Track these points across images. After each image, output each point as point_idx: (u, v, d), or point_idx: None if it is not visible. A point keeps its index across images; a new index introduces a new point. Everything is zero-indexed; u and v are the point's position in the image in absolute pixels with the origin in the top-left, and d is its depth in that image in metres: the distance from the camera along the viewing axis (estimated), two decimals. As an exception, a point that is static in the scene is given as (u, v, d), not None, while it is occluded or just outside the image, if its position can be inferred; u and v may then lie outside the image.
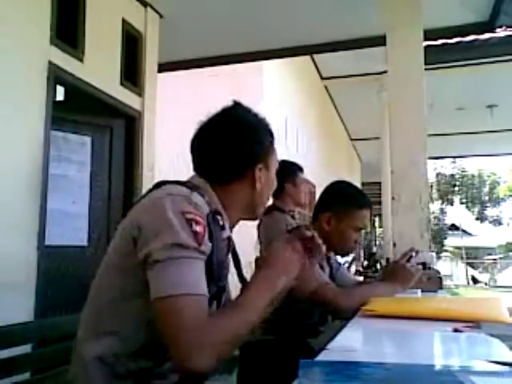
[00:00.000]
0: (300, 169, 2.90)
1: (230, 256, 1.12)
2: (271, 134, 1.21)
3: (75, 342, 1.03)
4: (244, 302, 0.97)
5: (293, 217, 2.80)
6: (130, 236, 0.96)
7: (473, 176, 26.28)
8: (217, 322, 0.90)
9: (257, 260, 1.08)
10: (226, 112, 1.17)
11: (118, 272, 0.98)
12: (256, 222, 2.83)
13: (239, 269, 1.18)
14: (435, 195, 24.96)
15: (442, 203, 25.80)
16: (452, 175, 25.78)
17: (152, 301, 0.89)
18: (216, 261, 0.99)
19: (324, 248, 1.12)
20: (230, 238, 1.10)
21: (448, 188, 25.61)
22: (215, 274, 0.98)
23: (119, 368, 0.95)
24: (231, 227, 1.14)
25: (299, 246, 1.07)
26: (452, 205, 26.05)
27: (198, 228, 0.93)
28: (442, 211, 25.78)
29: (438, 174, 25.59)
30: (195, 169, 1.15)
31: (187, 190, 1.00)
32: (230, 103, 1.19)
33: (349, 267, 7.81)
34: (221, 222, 1.04)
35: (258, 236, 2.78)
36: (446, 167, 25.67)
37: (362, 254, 11.41)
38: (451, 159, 23.57)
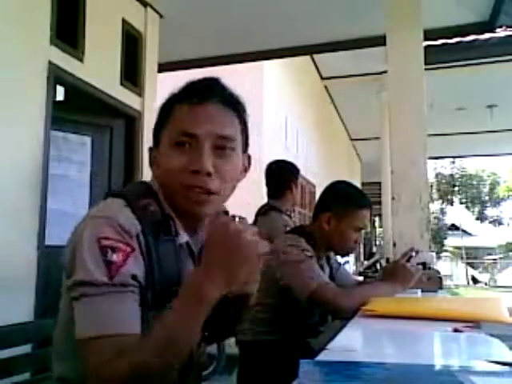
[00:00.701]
0: (297, 169, 2.92)
1: (191, 262, 0.97)
2: (174, 97, 0.96)
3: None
4: (162, 327, 0.80)
5: (289, 216, 2.81)
6: (65, 271, 0.90)
7: (472, 176, 26.28)
8: (122, 362, 0.78)
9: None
10: None
11: (66, 310, 0.91)
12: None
13: None
14: (435, 195, 24.96)
15: (442, 203, 25.81)
16: (451, 175, 25.79)
17: None
18: (158, 277, 0.88)
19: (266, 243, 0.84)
20: (188, 244, 0.97)
21: (448, 188, 25.62)
22: (160, 291, 0.88)
23: None
24: (193, 231, 0.99)
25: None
26: (452, 205, 26.07)
27: (115, 257, 0.83)
28: (442, 211, 25.79)
29: (437, 174, 25.59)
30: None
31: (118, 207, 0.89)
32: None
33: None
34: (172, 228, 0.93)
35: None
36: (446, 167, 25.69)
37: (363, 254, 11.41)
38: (451, 159, 23.59)
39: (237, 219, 0.79)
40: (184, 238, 0.96)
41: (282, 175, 2.84)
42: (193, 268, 0.93)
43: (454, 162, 25.28)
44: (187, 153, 0.90)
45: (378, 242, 17.64)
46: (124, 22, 3.21)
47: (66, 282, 0.87)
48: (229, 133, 0.93)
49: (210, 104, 0.92)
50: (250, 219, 2.88)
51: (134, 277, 0.85)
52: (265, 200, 2.91)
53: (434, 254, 2.64)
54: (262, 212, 2.78)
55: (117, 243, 0.84)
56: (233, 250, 0.77)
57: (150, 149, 0.99)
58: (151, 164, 0.98)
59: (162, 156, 0.93)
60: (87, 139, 3.17)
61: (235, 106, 0.96)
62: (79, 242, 0.85)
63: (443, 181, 25.63)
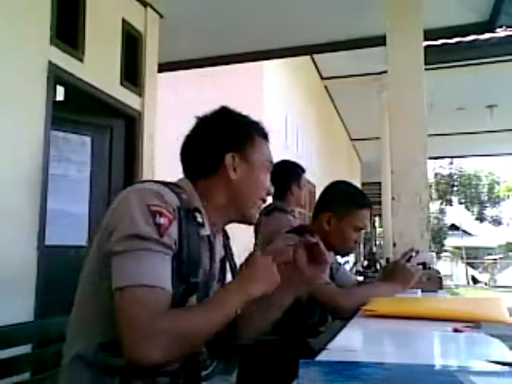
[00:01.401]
0: (303, 169, 2.91)
1: (208, 255, 1.08)
2: (255, 127, 1.18)
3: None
4: (211, 302, 0.99)
5: (293, 217, 2.80)
6: (104, 232, 0.96)
7: (471, 176, 26.28)
8: (175, 315, 0.90)
9: (240, 266, 1.08)
10: (211, 112, 1.17)
11: (94, 269, 0.99)
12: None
13: (233, 272, 1.18)
14: (434, 195, 24.96)
15: (442, 203, 25.82)
16: (450, 175, 25.79)
17: (113, 292, 0.89)
18: (186, 256, 0.97)
19: (330, 256, 1.15)
20: (209, 238, 1.08)
21: (446, 188, 25.63)
22: (184, 270, 0.97)
23: (103, 364, 0.93)
24: (218, 228, 1.13)
25: (279, 259, 1.08)
26: (451, 205, 26.07)
27: (163, 220, 0.92)
28: (442, 211, 25.79)
29: (436, 174, 25.60)
30: (183, 170, 1.16)
31: (158, 186, 1.00)
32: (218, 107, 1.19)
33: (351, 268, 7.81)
34: (199, 219, 1.03)
35: (256, 236, 2.78)
36: (444, 167, 25.69)
37: (363, 254, 11.41)
38: (449, 159, 23.59)
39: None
40: (207, 231, 1.07)
41: (283, 175, 2.83)
42: (240, 273, 1.08)
43: (452, 163, 25.29)
44: (266, 177, 1.18)
45: (377, 242, 17.64)
46: (124, 22, 3.21)
47: (109, 238, 0.92)
48: None
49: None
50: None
51: (175, 242, 0.95)
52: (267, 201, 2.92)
53: (434, 254, 2.64)
54: (266, 212, 2.78)
55: (163, 209, 0.94)
56: (266, 273, 1.03)
57: (232, 155, 1.11)
58: (228, 167, 1.11)
59: (258, 175, 1.14)
60: (87, 139, 3.17)
61: None
62: (127, 206, 0.94)
63: (442, 181, 25.63)
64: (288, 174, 2.83)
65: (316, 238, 1.14)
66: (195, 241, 1.01)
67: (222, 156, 1.10)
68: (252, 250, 1.11)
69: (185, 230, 0.98)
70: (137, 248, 0.89)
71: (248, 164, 1.12)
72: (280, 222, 2.65)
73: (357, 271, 8.36)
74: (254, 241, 2.78)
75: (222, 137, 1.12)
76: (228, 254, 1.20)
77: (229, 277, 1.18)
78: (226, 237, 1.22)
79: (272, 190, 1.19)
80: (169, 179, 1.11)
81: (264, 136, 1.19)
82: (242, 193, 1.12)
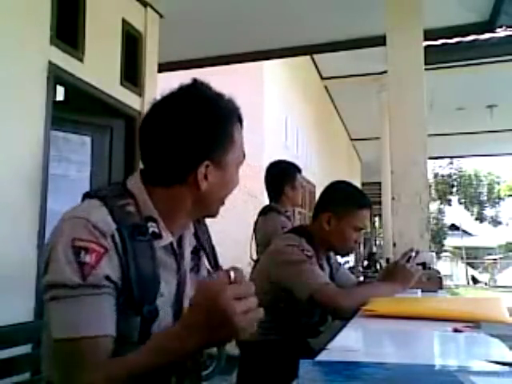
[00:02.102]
0: (298, 169, 2.91)
1: (174, 265, 0.98)
2: (233, 120, 1.00)
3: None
4: (134, 362, 0.81)
5: (288, 218, 2.81)
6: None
7: (472, 176, 26.28)
8: (107, 366, 0.82)
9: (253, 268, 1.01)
10: (180, 93, 1.00)
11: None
12: (251, 224, 2.86)
13: (213, 259, 1.11)
14: (434, 195, 24.97)
15: (441, 203, 25.82)
16: (450, 175, 25.80)
17: None
18: (136, 284, 0.87)
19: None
20: (172, 245, 0.98)
21: (446, 188, 25.63)
22: (136, 299, 0.87)
23: None
24: (183, 226, 1.02)
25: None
26: (450, 205, 26.08)
27: (88, 258, 0.83)
28: (440, 211, 25.79)
29: (435, 175, 25.60)
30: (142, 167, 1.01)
31: (95, 206, 0.90)
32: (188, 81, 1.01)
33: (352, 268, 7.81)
34: (154, 229, 0.93)
35: (255, 237, 2.79)
36: (444, 167, 25.70)
37: (363, 255, 11.41)
38: (448, 159, 23.59)
39: (231, 273, 0.75)
40: (168, 238, 0.97)
41: (277, 176, 2.85)
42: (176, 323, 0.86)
43: (451, 163, 25.29)
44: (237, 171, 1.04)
45: (377, 242, 17.64)
46: (124, 22, 3.21)
47: (41, 281, 0.88)
48: None
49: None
50: (254, 214, 2.91)
51: (107, 277, 0.84)
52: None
53: (433, 254, 2.64)
54: (262, 213, 2.83)
55: (90, 244, 0.84)
56: (212, 313, 0.75)
57: (207, 165, 0.95)
58: (203, 177, 0.95)
59: (230, 175, 1.00)
60: (87, 139, 3.17)
61: None
62: (54, 243, 0.87)
63: (441, 181, 25.63)
64: (281, 175, 2.85)
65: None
66: (147, 260, 0.90)
67: (194, 167, 0.93)
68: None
69: (131, 254, 0.87)
70: (63, 296, 0.83)
71: (222, 168, 0.97)
72: (273, 222, 2.69)
73: (357, 271, 8.36)
74: (253, 240, 2.80)
75: (199, 143, 0.93)
76: (199, 234, 1.10)
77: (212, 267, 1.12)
78: (199, 222, 1.12)
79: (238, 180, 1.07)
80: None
81: (240, 123, 1.03)
82: (211, 199, 1.00)
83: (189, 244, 1.06)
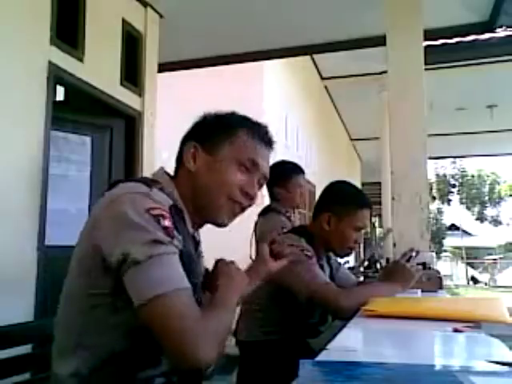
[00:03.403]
0: (295, 170, 2.87)
1: (197, 254, 1.08)
2: (243, 125, 1.09)
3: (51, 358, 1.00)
4: (221, 303, 0.96)
5: (288, 218, 2.81)
6: (93, 240, 0.91)
7: (473, 176, 26.30)
8: (210, 316, 0.89)
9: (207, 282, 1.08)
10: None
11: (85, 280, 0.92)
12: (251, 223, 2.86)
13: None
14: (435, 194, 24.98)
15: (442, 203, 25.83)
16: (452, 176, 25.82)
17: (137, 306, 0.84)
18: (186, 254, 0.95)
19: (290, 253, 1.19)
20: (194, 237, 1.06)
21: (447, 188, 25.64)
22: (187, 269, 0.93)
23: (101, 379, 0.91)
24: (197, 227, 1.10)
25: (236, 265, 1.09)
26: (449, 205, 26.10)
27: (167, 222, 0.89)
28: (439, 211, 25.81)
29: (437, 175, 25.62)
30: None
31: (145, 187, 0.95)
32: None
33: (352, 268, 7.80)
34: (183, 219, 1.01)
35: (255, 237, 2.79)
36: (446, 167, 25.71)
37: (363, 255, 11.40)
38: (451, 159, 23.60)
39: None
40: (190, 229, 1.05)
41: (276, 177, 2.85)
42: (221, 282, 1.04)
43: (454, 162, 25.31)
44: (244, 175, 1.05)
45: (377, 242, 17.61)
46: (124, 22, 3.21)
47: (111, 254, 0.87)
48: (268, 176, 1.13)
49: (268, 148, 1.12)
50: (251, 214, 2.92)
51: (179, 241, 0.92)
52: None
53: (433, 254, 2.64)
54: (262, 213, 2.84)
55: (162, 211, 0.91)
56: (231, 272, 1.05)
57: (188, 144, 1.06)
58: (187, 158, 1.05)
59: (223, 167, 1.03)
60: (87, 139, 3.17)
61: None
62: (125, 213, 0.87)
63: (442, 181, 25.64)
64: (274, 176, 2.84)
65: (279, 237, 1.22)
66: (188, 240, 0.99)
67: (184, 144, 1.08)
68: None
69: (180, 229, 0.95)
70: (159, 253, 0.85)
71: (213, 157, 1.04)
72: (272, 222, 2.70)
73: (358, 271, 8.35)
74: (253, 240, 2.80)
75: (195, 126, 1.10)
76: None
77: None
78: None
79: (251, 190, 1.07)
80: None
81: (254, 135, 1.08)
82: (202, 186, 1.03)
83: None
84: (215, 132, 1.06)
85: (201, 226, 1.11)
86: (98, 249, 0.89)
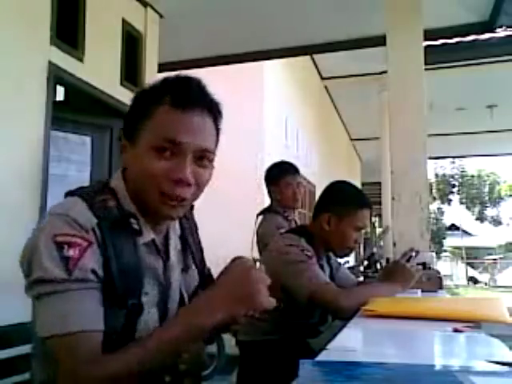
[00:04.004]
0: (287, 170, 2.87)
1: (159, 262, 0.97)
2: (153, 99, 0.92)
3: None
4: (156, 334, 0.83)
5: (286, 218, 2.81)
6: (22, 267, 0.91)
7: (473, 176, 26.30)
8: (106, 360, 0.81)
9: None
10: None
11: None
12: (251, 223, 2.87)
13: (199, 259, 1.09)
14: (435, 194, 24.98)
15: (442, 203, 25.83)
16: (451, 175, 25.82)
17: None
18: (118, 278, 0.86)
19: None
20: (154, 242, 0.96)
21: (447, 188, 25.64)
22: (120, 293, 0.86)
23: None
24: (165, 224, 1.00)
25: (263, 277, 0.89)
26: (449, 204, 26.10)
27: (71, 252, 0.82)
28: (440, 211, 25.80)
29: (437, 174, 25.62)
30: None
31: (75, 202, 0.88)
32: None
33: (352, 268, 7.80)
34: (135, 226, 0.91)
35: (257, 236, 2.81)
36: (446, 167, 25.71)
37: (362, 255, 11.40)
38: (450, 159, 23.61)
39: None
40: (149, 236, 0.95)
41: (269, 178, 2.88)
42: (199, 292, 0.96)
43: (454, 162, 25.31)
44: (168, 159, 0.88)
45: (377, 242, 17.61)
46: (124, 22, 3.21)
47: (25, 282, 0.87)
48: (210, 146, 0.93)
49: (195, 113, 0.90)
50: (252, 214, 2.93)
51: (93, 271, 0.84)
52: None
53: (433, 254, 2.64)
54: (260, 213, 2.88)
55: (72, 238, 0.83)
56: (245, 281, 0.85)
57: (120, 137, 0.96)
58: (121, 152, 0.96)
59: (140, 157, 0.89)
60: (87, 139, 3.17)
61: (216, 115, 0.95)
62: (36, 241, 0.85)
63: (442, 181, 25.64)
64: (266, 177, 2.88)
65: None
66: (130, 255, 0.89)
67: (121, 137, 0.97)
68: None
69: (111, 249, 0.86)
70: (50, 292, 0.81)
71: (134, 144, 0.91)
72: (268, 222, 2.72)
73: (358, 271, 8.34)
74: (254, 240, 2.81)
75: (126, 114, 0.97)
76: (186, 234, 1.07)
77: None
78: (187, 219, 1.09)
79: (186, 176, 0.88)
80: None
81: (169, 107, 0.89)
82: (133, 184, 0.93)
83: (175, 246, 1.03)
84: (134, 117, 0.93)
85: (161, 222, 0.98)
86: (23, 272, 0.91)
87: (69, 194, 0.94)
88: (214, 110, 0.94)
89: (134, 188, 0.93)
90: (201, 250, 1.11)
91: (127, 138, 0.94)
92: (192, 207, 1.08)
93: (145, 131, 0.90)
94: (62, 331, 0.80)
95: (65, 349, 0.81)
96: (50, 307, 0.82)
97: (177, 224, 1.05)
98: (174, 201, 0.90)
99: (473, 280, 21.00)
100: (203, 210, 1.45)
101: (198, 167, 0.91)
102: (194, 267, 1.07)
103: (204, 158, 0.91)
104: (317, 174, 7.91)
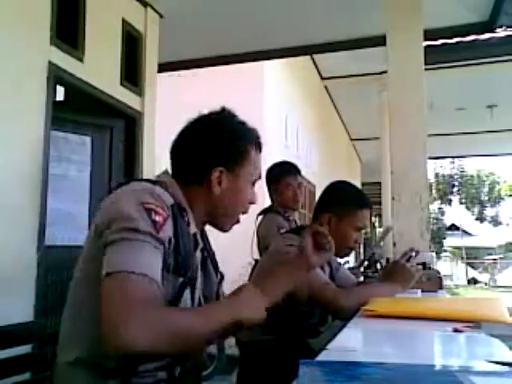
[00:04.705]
0: (288, 170, 2.87)
1: (197, 253, 1.10)
2: (250, 140, 1.15)
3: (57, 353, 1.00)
4: (205, 311, 0.97)
5: (287, 218, 2.81)
6: (97, 229, 0.96)
7: (472, 176, 26.30)
8: (168, 309, 0.90)
9: (253, 268, 1.09)
10: (208, 115, 1.16)
11: (90, 267, 0.95)
12: (252, 223, 2.87)
13: (215, 262, 1.19)
14: (435, 195, 24.97)
15: (442, 203, 25.83)
16: (451, 175, 25.81)
17: (101, 279, 0.86)
18: (183, 250, 0.99)
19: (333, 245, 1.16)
20: (195, 236, 1.09)
21: (447, 188, 25.64)
22: (180, 263, 0.98)
23: (103, 367, 0.91)
24: (200, 227, 1.14)
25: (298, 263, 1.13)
26: (450, 205, 26.09)
27: (158, 218, 0.93)
28: (440, 211, 25.80)
29: (436, 174, 25.61)
30: (171, 169, 1.17)
31: (150, 185, 1.02)
32: (218, 108, 1.17)
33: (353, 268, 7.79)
34: (185, 218, 1.04)
35: (257, 236, 2.80)
36: (445, 167, 25.71)
37: (362, 254, 11.41)
38: (450, 159, 23.60)
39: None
40: (194, 229, 1.08)
41: (270, 179, 2.88)
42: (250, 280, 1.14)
43: (453, 162, 25.31)
44: (251, 189, 1.16)
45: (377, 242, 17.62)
46: (124, 22, 3.21)
47: (104, 233, 0.92)
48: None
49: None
50: (252, 213, 2.94)
51: (169, 239, 0.95)
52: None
53: (433, 254, 2.64)
54: (261, 212, 2.87)
55: (158, 208, 0.95)
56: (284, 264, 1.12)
57: (220, 170, 1.10)
58: (217, 182, 1.10)
59: (242, 187, 1.13)
60: (87, 139, 3.17)
61: None
62: (122, 203, 0.94)
63: (442, 181, 25.64)
64: (272, 178, 2.87)
65: (322, 228, 1.19)
66: (187, 237, 1.02)
67: (209, 169, 1.09)
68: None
69: (179, 227, 0.99)
70: (134, 238, 0.89)
71: (235, 178, 1.12)
72: (268, 222, 2.72)
73: (358, 271, 8.33)
74: (254, 240, 2.81)
75: (213, 150, 1.10)
76: (204, 237, 1.18)
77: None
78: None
79: (256, 199, 1.18)
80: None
81: (258, 148, 1.17)
82: (222, 206, 1.12)
83: (200, 247, 1.14)
84: (236, 154, 1.12)
85: (204, 224, 1.16)
86: (98, 232, 0.95)
87: (130, 181, 1.06)
88: None
89: (214, 206, 1.11)
90: (214, 254, 1.21)
91: (228, 169, 1.11)
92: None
93: (246, 169, 1.13)
94: (132, 269, 0.85)
95: (127, 287, 0.83)
96: (126, 250, 0.88)
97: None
98: (240, 216, 1.16)
99: (473, 281, 21.00)
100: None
101: None
102: (212, 274, 1.18)
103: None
104: (317, 174, 7.91)
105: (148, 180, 1.06)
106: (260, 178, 1.19)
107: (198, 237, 1.11)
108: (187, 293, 1.01)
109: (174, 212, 0.99)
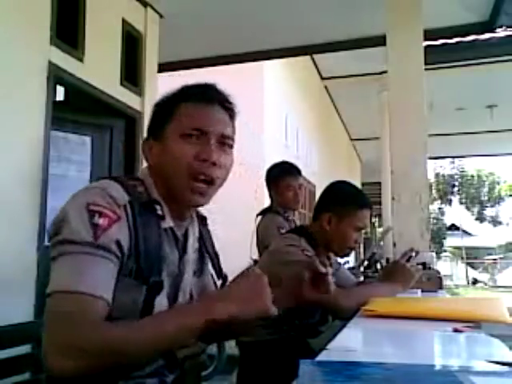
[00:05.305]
0: (288, 171, 2.86)
1: (174, 249, 1.01)
2: (171, 101, 1.03)
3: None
4: (157, 319, 0.88)
5: (287, 218, 2.81)
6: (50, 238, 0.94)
7: (472, 176, 26.31)
8: (97, 330, 0.81)
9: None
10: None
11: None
12: (251, 223, 2.88)
13: (217, 265, 1.15)
14: (435, 195, 24.97)
15: (442, 203, 25.83)
16: (451, 175, 25.82)
17: None
18: (144, 254, 0.92)
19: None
20: (173, 230, 1.01)
21: (447, 188, 25.64)
22: (143, 269, 0.91)
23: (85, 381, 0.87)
24: (186, 215, 1.06)
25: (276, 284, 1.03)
26: (450, 205, 26.09)
27: (102, 220, 0.87)
28: (440, 211, 25.80)
29: (436, 174, 25.61)
30: None
31: (109, 182, 0.96)
32: None
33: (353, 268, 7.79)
34: (159, 212, 0.98)
35: (257, 236, 2.81)
36: (445, 167, 25.71)
37: (363, 255, 11.40)
38: (450, 159, 23.61)
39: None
40: (169, 223, 1.01)
41: (270, 179, 2.88)
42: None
43: (453, 162, 25.31)
44: (195, 144, 0.99)
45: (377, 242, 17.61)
46: (124, 22, 3.21)
47: (50, 242, 0.89)
48: (229, 133, 1.04)
49: (214, 106, 1.03)
50: (252, 213, 2.94)
51: (117, 242, 0.88)
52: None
53: (433, 254, 2.64)
54: (260, 212, 2.88)
55: (104, 209, 0.89)
56: (253, 285, 0.91)
57: (144, 141, 1.06)
58: (145, 154, 1.05)
59: (169, 146, 0.99)
60: (87, 139, 3.17)
61: (232, 110, 1.07)
62: (68, 207, 0.91)
63: (442, 181, 25.64)
64: (271, 178, 2.87)
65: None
66: (155, 236, 0.95)
67: (144, 146, 1.05)
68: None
69: (140, 226, 0.92)
70: (72, 252, 0.84)
71: (162, 141, 1.01)
72: (268, 222, 2.72)
73: (358, 271, 8.33)
74: (253, 240, 2.81)
75: (150, 121, 1.07)
76: (204, 238, 1.13)
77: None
78: (202, 219, 1.17)
79: (208, 154, 0.98)
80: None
81: (192, 103, 1.01)
82: (164, 174, 1.00)
83: (192, 244, 1.07)
84: (159, 119, 1.04)
85: (183, 215, 1.05)
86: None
87: (99, 178, 1.01)
88: (229, 107, 1.06)
89: (163, 178, 1.00)
90: (217, 256, 1.17)
91: (153, 138, 1.03)
92: (206, 218, 1.18)
93: (170, 126, 1.01)
94: (74, 289, 0.82)
95: (69, 306, 0.82)
96: (68, 265, 0.84)
97: (196, 227, 1.11)
98: (202, 183, 0.98)
99: (473, 281, 21.00)
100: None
101: (221, 152, 1.01)
102: (209, 274, 1.13)
103: (225, 144, 1.02)
104: (317, 174, 7.91)
105: (114, 177, 0.99)
106: (197, 129, 1.00)
107: (177, 230, 1.02)
108: (161, 302, 0.93)
109: (134, 210, 0.92)
